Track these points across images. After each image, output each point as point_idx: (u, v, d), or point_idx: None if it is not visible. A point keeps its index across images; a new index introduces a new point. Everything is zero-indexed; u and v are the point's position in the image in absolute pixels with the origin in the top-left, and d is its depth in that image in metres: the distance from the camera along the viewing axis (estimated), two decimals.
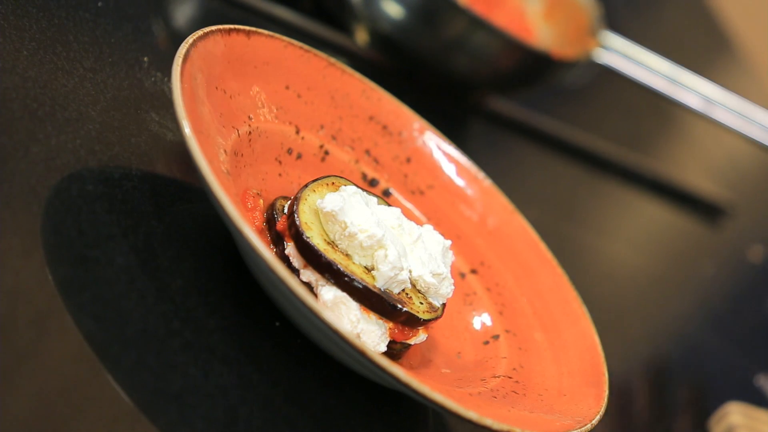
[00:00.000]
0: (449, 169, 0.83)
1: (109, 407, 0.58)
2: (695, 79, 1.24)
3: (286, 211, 0.70)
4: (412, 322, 0.68)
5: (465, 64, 1.09)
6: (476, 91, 1.16)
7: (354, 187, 0.71)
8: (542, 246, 0.81)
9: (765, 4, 2.14)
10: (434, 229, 0.74)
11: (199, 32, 0.69)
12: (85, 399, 0.58)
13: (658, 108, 1.52)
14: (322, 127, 0.79)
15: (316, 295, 0.67)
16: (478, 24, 1.05)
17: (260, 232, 0.70)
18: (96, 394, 0.58)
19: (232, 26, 0.72)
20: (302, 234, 0.67)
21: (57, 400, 0.56)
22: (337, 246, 0.68)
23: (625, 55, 1.19)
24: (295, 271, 0.67)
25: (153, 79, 0.79)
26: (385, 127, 0.82)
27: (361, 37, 1.08)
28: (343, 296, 0.67)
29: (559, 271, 0.80)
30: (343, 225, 0.68)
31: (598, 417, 0.69)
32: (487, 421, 0.62)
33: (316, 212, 0.69)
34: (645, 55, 1.21)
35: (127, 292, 0.62)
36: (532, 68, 1.11)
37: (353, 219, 0.68)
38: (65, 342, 0.59)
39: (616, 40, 1.19)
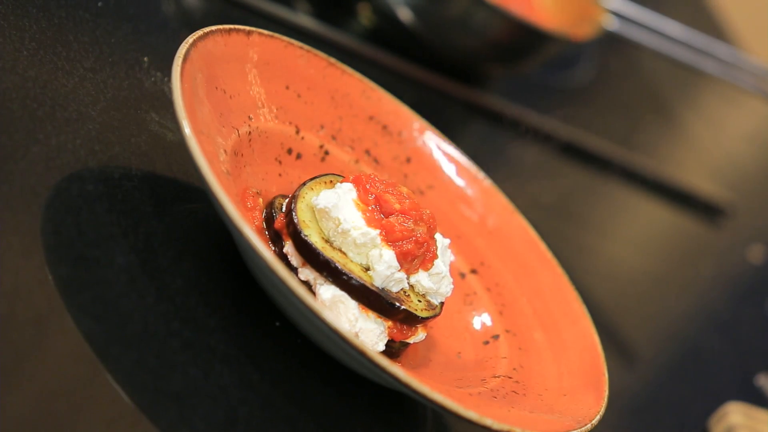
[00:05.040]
0: (449, 169, 0.83)
1: (109, 407, 0.58)
2: (710, 41, 1.24)
3: (284, 209, 0.70)
4: (410, 320, 0.68)
5: (469, 42, 1.10)
6: (481, 67, 1.17)
7: (350, 185, 0.71)
8: (542, 246, 0.81)
9: (763, 2, 2.14)
10: None
11: (199, 32, 0.69)
12: (85, 399, 0.58)
13: (659, 106, 1.52)
14: (322, 127, 0.79)
15: (314, 294, 0.67)
16: (481, 2, 1.06)
17: (259, 231, 0.70)
18: (96, 394, 0.58)
19: (232, 26, 0.72)
20: (300, 232, 0.67)
21: (57, 400, 0.56)
22: (333, 244, 0.68)
23: (634, 22, 1.20)
24: (294, 270, 0.67)
25: (153, 79, 0.79)
26: (385, 127, 0.82)
27: (365, 15, 1.08)
28: (342, 295, 0.67)
29: (559, 271, 0.80)
30: (336, 221, 0.68)
31: (598, 417, 0.69)
32: (487, 421, 0.62)
33: (314, 210, 0.69)
34: (657, 20, 1.22)
35: (127, 292, 0.62)
36: (532, 44, 1.12)
37: (347, 216, 0.68)
38: (65, 342, 0.59)
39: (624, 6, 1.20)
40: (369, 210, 0.68)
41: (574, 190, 1.25)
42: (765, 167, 1.65)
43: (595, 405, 0.70)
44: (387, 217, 0.68)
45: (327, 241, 0.68)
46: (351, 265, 0.68)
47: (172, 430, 0.59)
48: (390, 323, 0.68)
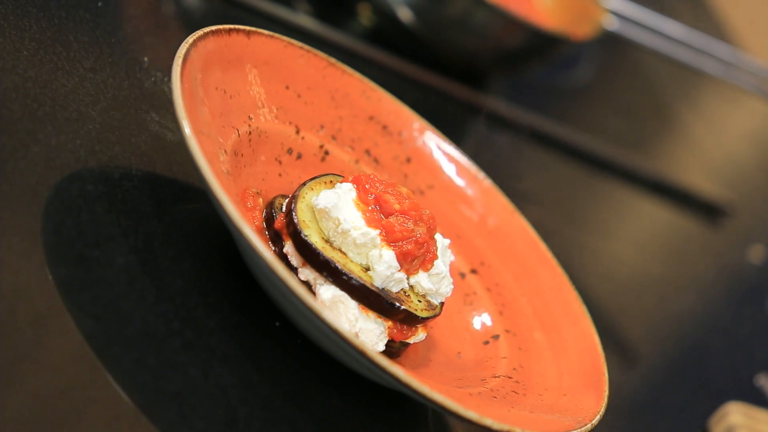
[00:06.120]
0: (449, 169, 0.83)
1: (109, 407, 0.58)
2: (710, 41, 1.24)
3: (284, 209, 0.70)
4: (410, 320, 0.68)
5: (469, 42, 1.10)
6: (481, 67, 1.17)
7: (350, 185, 0.71)
8: (542, 246, 0.81)
9: (763, 2, 2.15)
10: None
11: (199, 32, 0.69)
12: (85, 399, 0.58)
13: (659, 106, 1.52)
14: (322, 127, 0.79)
15: (314, 294, 0.67)
16: (481, 2, 1.06)
17: (259, 231, 0.70)
18: (96, 394, 0.58)
19: (232, 26, 0.72)
20: (300, 232, 0.67)
21: (57, 400, 0.56)
22: (333, 244, 0.68)
23: (634, 21, 1.20)
24: (294, 270, 0.68)
25: (153, 79, 0.79)
26: (385, 127, 0.82)
27: (365, 15, 1.08)
28: (342, 295, 0.67)
29: (559, 271, 0.80)
30: (336, 222, 0.68)
31: (598, 417, 0.69)
32: (487, 421, 0.62)
33: (314, 210, 0.69)
34: (657, 20, 1.22)
35: (127, 292, 0.62)
36: (531, 44, 1.12)
37: (347, 216, 0.68)
38: (65, 342, 0.59)
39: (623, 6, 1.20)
40: (369, 210, 0.68)
41: (575, 190, 1.25)
42: (765, 167, 1.66)
43: (595, 405, 0.70)
44: (387, 218, 0.68)
45: (327, 241, 0.68)
46: (351, 265, 0.68)
47: (172, 430, 0.59)
48: (390, 323, 0.68)
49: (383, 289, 0.68)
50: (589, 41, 1.18)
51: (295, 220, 0.67)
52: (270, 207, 0.70)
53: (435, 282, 0.70)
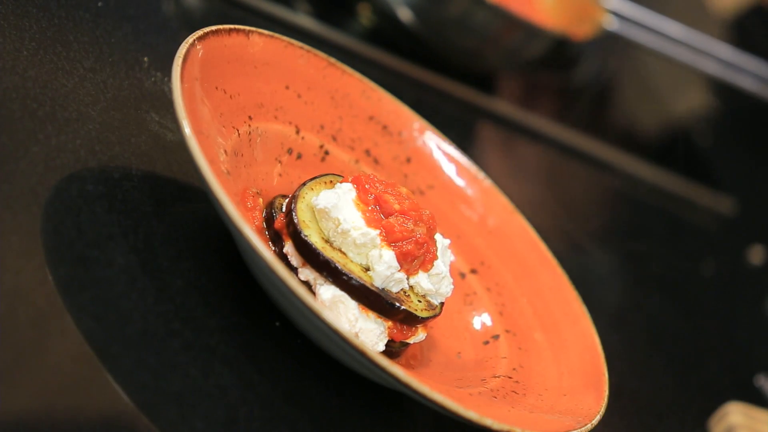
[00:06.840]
0: (449, 169, 0.83)
1: (109, 407, 0.58)
2: (710, 41, 1.25)
3: (284, 209, 0.70)
4: (410, 320, 0.68)
5: (469, 42, 1.10)
6: (481, 67, 1.17)
7: (350, 185, 0.71)
8: (542, 246, 0.81)
9: None
10: None
11: (199, 32, 0.69)
12: (85, 399, 0.58)
13: (659, 106, 1.52)
14: (322, 127, 0.79)
15: (314, 294, 0.67)
16: (481, 2, 1.06)
17: (259, 231, 0.70)
18: (96, 394, 0.58)
19: (232, 26, 0.72)
20: (300, 232, 0.67)
21: (57, 400, 0.56)
22: (333, 244, 0.68)
23: (634, 22, 1.21)
24: (294, 270, 0.68)
25: (153, 79, 0.79)
26: (385, 127, 0.82)
27: (365, 15, 1.08)
28: (342, 295, 0.67)
29: (559, 271, 0.80)
30: (336, 222, 0.68)
31: (598, 417, 0.69)
32: (487, 421, 0.62)
33: (314, 210, 0.69)
34: (657, 20, 1.22)
35: (127, 292, 0.62)
36: (532, 44, 1.13)
37: (346, 216, 0.68)
38: (65, 342, 0.59)
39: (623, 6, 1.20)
40: (369, 210, 0.68)
41: (574, 190, 1.25)
42: (765, 167, 1.66)
43: (595, 405, 0.70)
44: (387, 218, 0.68)
45: (327, 241, 0.68)
46: (351, 266, 0.68)
47: (172, 430, 0.59)
48: (390, 323, 0.68)
49: (383, 289, 0.68)
50: (589, 41, 1.18)
51: (295, 220, 0.67)
52: (270, 207, 0.70)
53: (435, 282, 0.70)
